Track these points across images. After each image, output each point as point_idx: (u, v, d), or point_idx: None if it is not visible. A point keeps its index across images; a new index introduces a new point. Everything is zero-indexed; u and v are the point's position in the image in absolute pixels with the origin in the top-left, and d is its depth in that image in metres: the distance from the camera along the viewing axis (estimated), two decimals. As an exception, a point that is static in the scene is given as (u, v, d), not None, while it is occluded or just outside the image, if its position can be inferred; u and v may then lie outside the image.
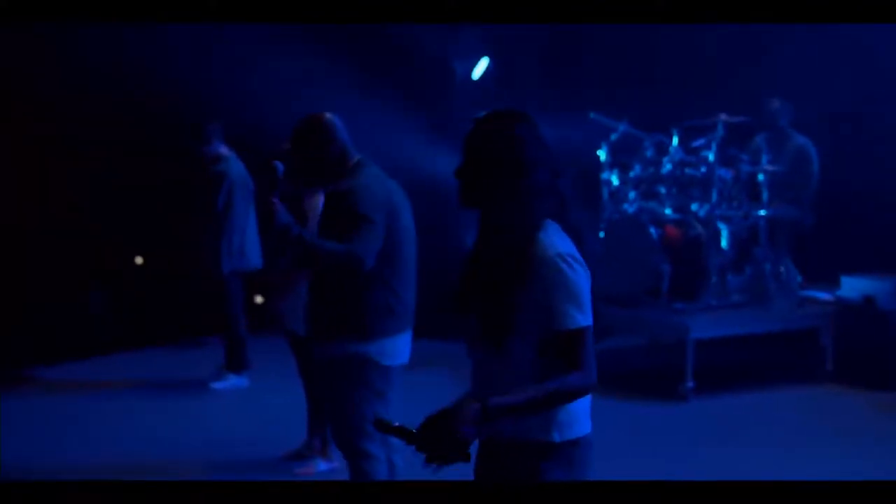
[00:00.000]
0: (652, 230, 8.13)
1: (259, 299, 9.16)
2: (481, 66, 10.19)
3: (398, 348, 4.59)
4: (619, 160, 8.57)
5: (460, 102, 10.13)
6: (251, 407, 7.67)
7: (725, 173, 8.16)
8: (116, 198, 9.36)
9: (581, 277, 3.00)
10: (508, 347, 3.01)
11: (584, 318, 2.98)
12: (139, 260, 10.31)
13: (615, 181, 8.59)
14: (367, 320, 4.46)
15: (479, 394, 3.02)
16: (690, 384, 7.67)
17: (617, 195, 8.56)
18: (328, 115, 4.64)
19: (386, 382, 4.55)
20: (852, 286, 8.28)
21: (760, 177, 8.40)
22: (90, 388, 8.13)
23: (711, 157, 8.11)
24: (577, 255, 3.03)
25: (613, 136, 8.65)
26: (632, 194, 8.41)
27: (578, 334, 2.97)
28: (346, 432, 4.60)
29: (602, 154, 8.66)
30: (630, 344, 9.07)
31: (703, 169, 8.14)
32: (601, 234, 8.63)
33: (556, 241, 3.02)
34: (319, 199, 5.54)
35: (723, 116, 8.17)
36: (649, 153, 8.41)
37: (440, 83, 10.22)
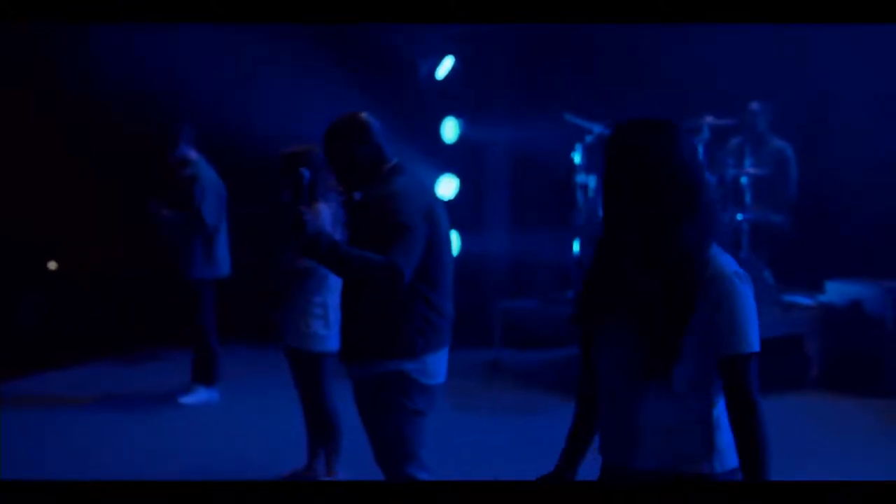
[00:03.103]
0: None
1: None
2: (446, 66, 10.19)
3: (438, 366, 4.52)
4: (596, 163, 8.67)
5: (426, 102, 10.29)
6: (225, 423, 7.58)
7: (709, 177, 8.35)
8: (83, 203, 9.50)
9: (753, 300, 2.97)
10: (671, 376, 2.90)
11: (757, 342, 2.95)
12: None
13: (592, 184, 8.78)
14: (406, 337, 4.36)
15: (628, 427, 2.99)
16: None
17: (593, 199, 8.73)
18: (364, 115, 4.55)
19: (426, 402, 4.48)
20: (838, 291, 8.61)
21: (744, 180, 8.68)
22: (44, 404, 8.10)
23: (697, 160, 8.34)
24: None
25: (589, 138, 8.80)
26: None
27: (751, 360, 2.94)
28: (395, 458, 4.50)
29: (577, 157, 8.84)
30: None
31: (686, 172, 8.35)
32: (577, 240, 8.92)
33: (728, 259, 2.98)
34: (320, 209, 5.67)
35: (709, 119, 8.43)
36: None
37: (405, 83, 10.28)
